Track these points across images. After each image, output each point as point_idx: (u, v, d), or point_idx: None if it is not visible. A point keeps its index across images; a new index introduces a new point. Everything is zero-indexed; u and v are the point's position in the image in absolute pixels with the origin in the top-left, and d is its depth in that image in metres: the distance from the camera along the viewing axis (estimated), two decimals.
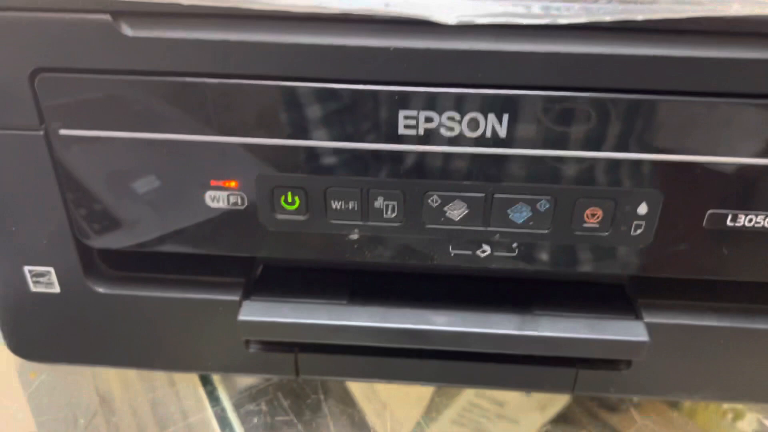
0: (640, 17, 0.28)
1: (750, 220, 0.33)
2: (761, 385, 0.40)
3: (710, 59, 0.29)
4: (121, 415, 0.45)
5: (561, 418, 0.51)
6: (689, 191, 0.33)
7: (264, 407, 0.46)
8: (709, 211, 0.33)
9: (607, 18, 0.28)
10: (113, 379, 0.48)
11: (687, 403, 0.54)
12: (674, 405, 0.51)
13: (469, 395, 0.57)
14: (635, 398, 0.52)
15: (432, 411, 0.52)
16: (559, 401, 0.55)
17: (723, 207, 0.33)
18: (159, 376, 0.48)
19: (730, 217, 0.33)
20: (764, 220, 0.33)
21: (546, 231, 0.34)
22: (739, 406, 0.52)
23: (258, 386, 0.48)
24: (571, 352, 0.37)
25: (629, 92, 0.30)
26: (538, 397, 0.57)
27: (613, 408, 0.52)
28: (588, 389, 0.41)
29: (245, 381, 0.49)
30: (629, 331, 0.37)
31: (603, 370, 0.40)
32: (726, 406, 0.54)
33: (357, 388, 0.53)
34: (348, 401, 0.48)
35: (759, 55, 0.29)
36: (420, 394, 0.55)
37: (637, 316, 0.38)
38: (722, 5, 0.28)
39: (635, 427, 0.49)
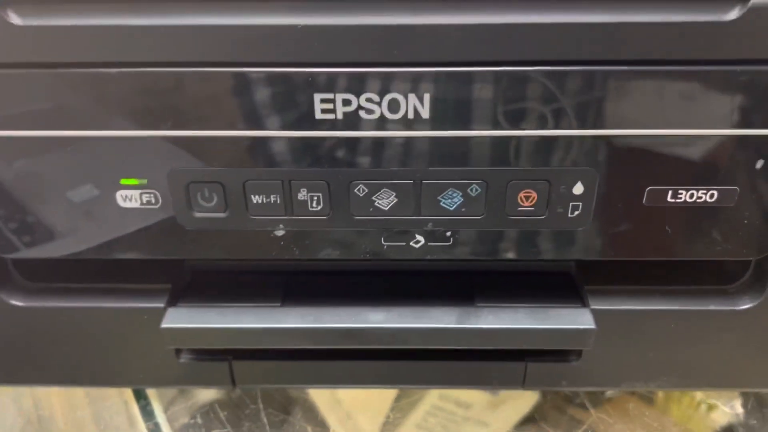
0: None
1: (692, 196, 0.32)
2: (718, 370, 0.39)
3: (641, 24, 0.28)
4: None
5: (531, 418, 0.49)
6: (625, 168, 0.31)
7: (200, 420, 0.44)
8: (648, 188, 0.32)
9: None
10: (39, 397, 0.45)
11: (661, 398, 0.52)
12: (648, 400, 0.50)
13: (432, 398, 0.56)
14: (607, 393, 0.51)
15: (395, 415, 0.51)
16: (527, 400, 0.54)
17: (662, 183, 0.32)
18: (87, 392, 0.45)
19: (670, 194, 0.32)
20: (706, 195, 0.32)
21: (480, 217, 0.33)
22: (713, 398, 0.51)
23: (193, 398, 0.45)
24: (515, 343, 0.35)
25: (556, 64, 0.29)
26: (503, 396, 0.56)
27: (584, 405, 0.51)
28: (539, 383, 0.39)
29: (180, 393, 0.46)
30: (575, 319, 0.35)
31: (552, 362, 0.38)
32: (699, 397, 0.53)
33: (318, 396, 0.51)
34: (288, 410, 0.46)
35: (690, 18, 0.28)
36: (381, 398, 0.53)
37: (584, 304, 0.36)
38: None
39: (605, 425, 0.48)
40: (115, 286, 0.38)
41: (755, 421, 0.45)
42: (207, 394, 0.47)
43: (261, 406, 0.45)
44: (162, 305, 0.37)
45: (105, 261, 0.36)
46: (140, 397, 0.46)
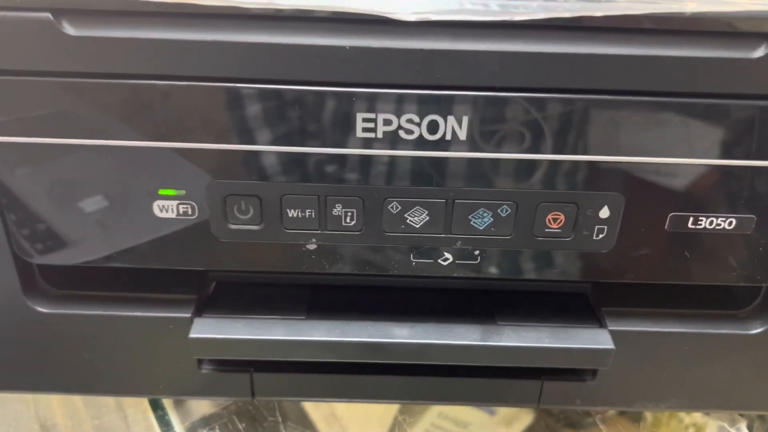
0: (598, 14, 0.28)
1: (711, 223, 0.33)
2: (727, 392, 0.40)
3: (670, 58, 0.29)
4: None
5: None
6: (651, 194, 0.32)
7: (218, 431, 0.44)
8: (671, 214, 0.33)
9: (566, 15, 0.28)
10: (56, 405, 0.45)
11: (650, 419, 0.53)
12: (637, 420, 0.51)
13: (431, 416, 0.56)
14: (609, 411, 0.52)
15: None
16: (523, 420, 0.54)
17: (684, 210, 0.33)
18: (106, 402, 0.45)
19: (691, 220, 0.33)
20: (725, 222, 0.33)
21: (508, 237, 0.34)
22: (701, 419, 0.52)
23: (212, 410, 0.45)
24: (536, 362, 0.36)
25: (588, 93, 0.30)
26: (502, 416, 0.56)
27: (576, 425, 0.51)
28: (554, 401, 0.40)
29: (199, 404, 0.46)
30: (594, 339, 0.36)
31: (568, 381, 0.39)
32: (687, 420, 0.54)
33: (316, 411, 0.51)
34: (307, 423, 0.47)
35: (717, 54, 0.29)
36: (381, 416, 0.53)
37: (601, 325, 0.37)
38: (679, 3, 0.28)
39: None
40: (140, 296, 0.38)
41: None
42: (220, 406, 0.47)
43: (279, 419, 0.45)
44: (188, 315, 0.37)
45: (129, 270, 0.36)
46: (157, 407, 0.46)
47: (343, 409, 0.54)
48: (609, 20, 0.28)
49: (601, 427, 0.51)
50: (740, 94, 0.30)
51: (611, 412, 0.52)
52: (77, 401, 0.46)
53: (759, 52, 0.29)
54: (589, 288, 0.40)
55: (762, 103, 0.30)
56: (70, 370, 0.39)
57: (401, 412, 0.55)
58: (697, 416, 0.53)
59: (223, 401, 0.47)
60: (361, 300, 0.39)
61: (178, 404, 0.47)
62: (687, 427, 0.54)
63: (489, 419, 0.57)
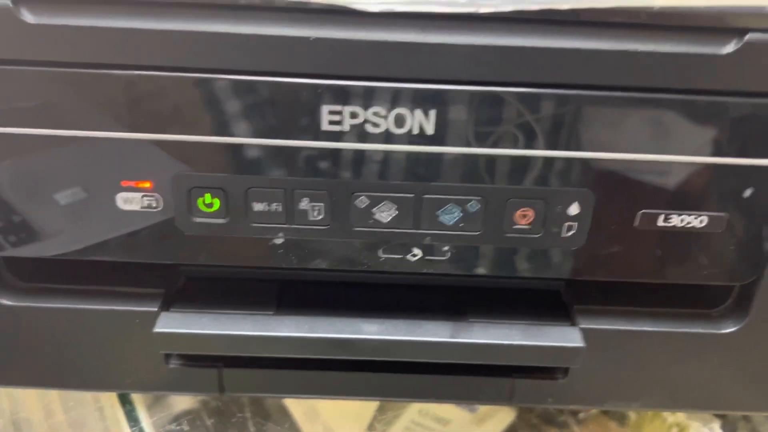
0: (565, 7, 0.27)
1: (682, 221, 0.33)
2: (700, 392, 0.40)
3: (639, 53, 0.29)
4: None
5: None
6: (620, 191, 0.32)
7: (186, 427, 0.43)
8: (641, 212, 0.33)
9: (533, 7, 0.27)
10: (26, 399, 0.45)
11: (632, 418, 0.53)
12: (619, 420, 0.51)
13: (412, 413, 0.56)
14: (580, 413, 0.51)
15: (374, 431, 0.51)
16: (504, 418, 0.54)
17: (655, 207, 0.33)
18: (73, 397, 0.45)
19: (662, 218, 0.33)
20: (696, 220, 0.33)
21: (477, 233, 0.33)
22: (684, 419, 0.52)
23: (180, 405, 0.45)
24: (506, 359, 0.36)
25: (558, 87, 0.30)
26: (482, 413, 0.56)
27: (557, 423, 0.51)
28: (525, 400, 0.40)
29: (167, 400, 0.46)
30: (564, 337, 0.36)
31: (540, 379, 0.39)
32: (671, 420, 0.54)
33: (297, 407, 0.51)
34: (276, 419, 0.46)
35: (687, 49, 0.29)
36: (361, 412, 0.53)
37: (573, 323, 0.37)
38: None
39: None
40: (108, 289, 0.38)
41: None
42: (191, 402, 0.46)
43: (248, 415, 0.44)
44: (155, 309, 0.37)
45: (97, 264, 0.36)
46: (125, 402, 0.45)
47: (324, 405, 0.54)
48: (577, 13, 0.28)
49: (581, 426, 0.51)
50: (710, 90, 0.30)
51: (593, 411, 0.52)
52: (45, 396, 0.45)
53: (728, 48, 0.29)
54: (563, 286, 0.40)
55: (731, 99, 0.30)
56: (36, 364, 0.39)
57: (381, 409, 0.55)
58: (681, 416, 0.53)
59: (194, 399, 0.47)
60: (331, 296, 0.39)
61: (151, 401, 0.46)
62: (670, 427, 0.54)
63: (469, 416, 0.57)
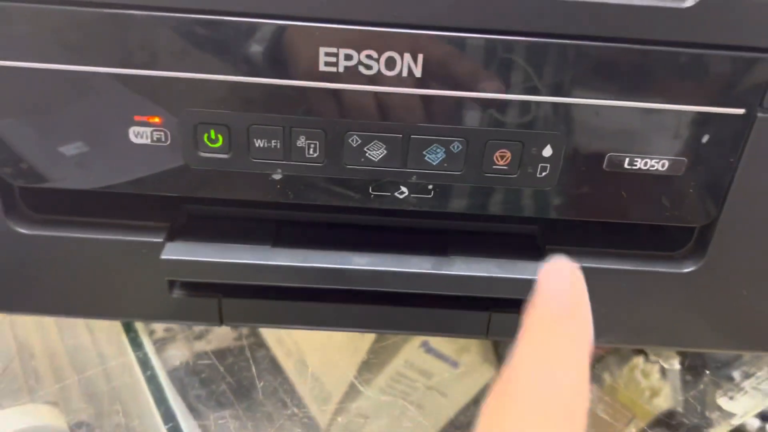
0: None
1: (645, 164, 0.36)
2: (663, 328, 0.43)
3: (604, 5, 0.32)
4: (40, 360, 0.45)
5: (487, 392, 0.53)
6: (590, 134, 0.35)
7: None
8: (609, 154, 0.36)
9: None
10: (32, 325, 0.48)
11: (608, 381, 0.56)
12: (596, 384, 0.54)
13: (397, 365, 0.59)
14: None
15: (360, 378, 0.54)
16: (484, 373, 0.57)
17: (621, 151, 0.36)
18: (81, 323, 0.48)
19: (627, 161, 0.36)
20: (658, 164, 0.36)
21: (459, 172, 0.36)
22: (657, 383, 0.55)
23: (182, 332, 0.48)
24: (484, 291, 0.39)
25: (531, 35, 0.33)
26: (464, 368, 0.59)
27: None
28: (501, 334, 0.43)
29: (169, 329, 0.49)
30: (537, 271, 0.39)
31: (515, 313, 0.42)
32: (644, 383, 0.57)
33: (287, 360, 0.54)
34: (279, 371, 0.49)
35: (649, 2, 0.32)
36: (347, 363, 0.56)
37: (545, 260, 0.40)
38: None
39: None
40: (117, 222, 0.40)
41: (690, 377, 0.50)
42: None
43: (245, 342, 0.48)
44: (161, 240, 0.39)
45: (107, 199, 0.39)
46: (129, 329, 0.48)
47: (312, 357, 0.56)
48: None
49: None
50: (671, 41, 0.33)
51: None
52: (51, 322, 0.48)
53: (689, 2, 0.32)
54: (537, 230, 0.43)
55: (690, 50, 0.33)
56: (46, 291, 0.42)
57: (366, 359, 0.57)
58: (654, 380, 0.56)
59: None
60: (325, 235, 0.42)
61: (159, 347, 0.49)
62: (643, 391, 0.57)
63: (452, 371, 0.60)
